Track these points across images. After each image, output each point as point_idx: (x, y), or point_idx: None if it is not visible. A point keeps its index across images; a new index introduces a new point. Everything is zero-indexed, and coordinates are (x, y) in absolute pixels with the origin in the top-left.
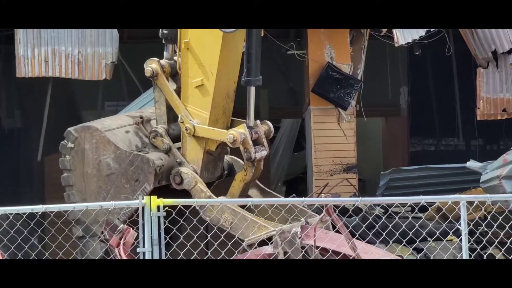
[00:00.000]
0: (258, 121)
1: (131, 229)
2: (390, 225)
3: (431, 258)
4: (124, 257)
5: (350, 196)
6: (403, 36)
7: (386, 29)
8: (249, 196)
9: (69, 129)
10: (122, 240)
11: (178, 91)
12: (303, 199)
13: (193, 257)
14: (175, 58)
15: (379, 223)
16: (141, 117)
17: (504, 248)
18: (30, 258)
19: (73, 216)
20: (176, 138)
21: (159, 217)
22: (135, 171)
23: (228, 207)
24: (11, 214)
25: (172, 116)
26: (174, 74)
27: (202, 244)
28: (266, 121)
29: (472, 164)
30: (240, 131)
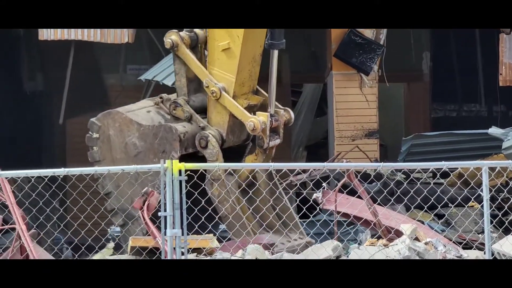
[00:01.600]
0: (282, 111)
1: (155, 192)
2: (412, 191)
3: (453, 224)
4: (148, 220)
5: (372, 162)
6: None
7: None
8: (255, 179)
9: (91, 119)
10: (146, 202)
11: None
12: (324, 164)
13: (213, 222)
14: (196, 30)
15: (401, 189)
16: (160, 97)
17: None
18: (52, 222)
19: (111, 208)
20: (196, 110)
21: (180, 181)
22: (160, 142)
23: (232, 201)
24: (33, 177)
25: (192, 88)
26: (193, 46)
27: (223, 209)
28: (289, 109)
29: (494, 130)
30: (261, 121)
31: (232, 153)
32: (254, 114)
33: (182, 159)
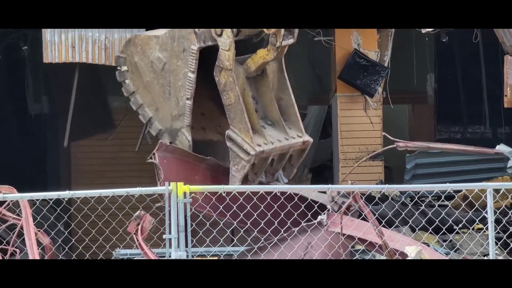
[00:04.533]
0: None
1: (148, 215)
2: (417, 213)
3: (457, 246)
4: (142, 243)
5: (376, 183)
6: None
7: None
8: (264, 70)
9: (116, 55)
10: (140, 226)
11: None
12: (329, 186)
13: (219, 244)
14: None
15: (405, 211)
16: None
17: None
18: (56, 245)
19: (137, 105)
20: None
21: (185, 204)
22: (178, 43)
23: (236, 91)
24: (37, 200)
25: None
26: None
27: (228, 231)
28: None
29: (501, 147)
30: None
31: (246, 47)
32: None
33: None
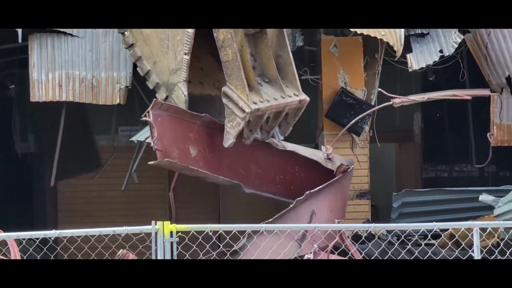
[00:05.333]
0: None
1: (130, 254)
2: (403, 252)
3: None
4: None
5: (363, 222)
6: (417, 61)
7: (399, 55)
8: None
9: None
10: None
11: None
12: (316, 225)
13: None
14: None
15: (392, 250)
16: None
17: None
18: None
19: (135, 57)
20: None
21: (172, 243)
22: None
23: (234, 48)
24: (24, 239)
25: None
26: None
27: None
28: None
29: (485, 197)
30: None
31: None
32: None
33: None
